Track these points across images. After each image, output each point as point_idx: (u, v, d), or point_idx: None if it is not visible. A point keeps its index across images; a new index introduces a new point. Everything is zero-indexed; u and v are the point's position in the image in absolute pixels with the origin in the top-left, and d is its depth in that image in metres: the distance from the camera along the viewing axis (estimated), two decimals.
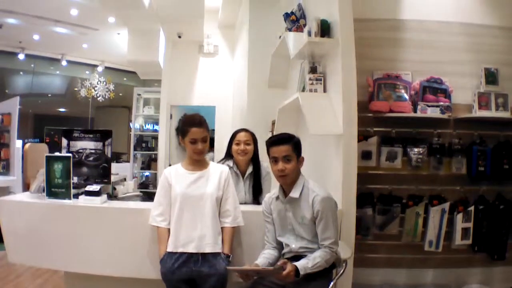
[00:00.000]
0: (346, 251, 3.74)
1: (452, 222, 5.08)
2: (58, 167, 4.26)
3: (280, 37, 5.76)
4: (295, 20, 5.53)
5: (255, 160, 4.71)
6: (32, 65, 18.86)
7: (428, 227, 5.03)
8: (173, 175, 3.88)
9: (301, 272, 3.22)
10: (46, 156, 4.35)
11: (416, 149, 4.98)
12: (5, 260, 6.86)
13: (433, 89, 5.09)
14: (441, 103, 5.00)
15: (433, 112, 4.97)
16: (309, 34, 4.63)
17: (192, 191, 3.77)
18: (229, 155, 4.75)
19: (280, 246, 3.73)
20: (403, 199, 5.06)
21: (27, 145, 13.53)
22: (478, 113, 5.07)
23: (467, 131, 5.16)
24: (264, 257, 3.61)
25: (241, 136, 4.67)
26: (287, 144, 3.51)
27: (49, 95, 22.01)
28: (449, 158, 5.11)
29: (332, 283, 3.47)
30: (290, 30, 5.54)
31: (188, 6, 8.76)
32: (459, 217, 5.06)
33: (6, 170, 10.66)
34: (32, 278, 6.47)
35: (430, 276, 5.20)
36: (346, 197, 4.18)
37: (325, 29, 4.59)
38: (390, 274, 5.11)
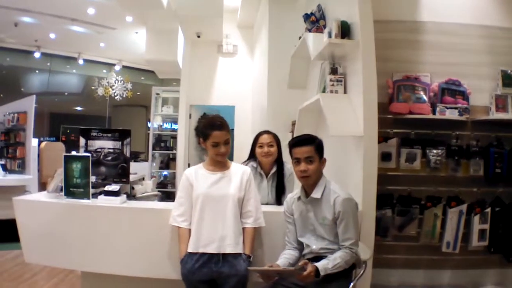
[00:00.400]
0: (365, 252, 3.76)
1: (469, 224, 5.09)
2: (76, 166, 4.25)
3: (300, 38, 5.78)
4: (315, 21, 5.54)
5: (279, 161, 4.73)
6: (48, 64, 18.92)
7: (446, 228, 5.03)
8: (194, 175, 3.88)
9: (322, 273, 3.23)
10: (65, 156, 4.36)
11: (434, 151, 4.99)
12: (20, 259, 6.93)
13: (452, 91, 5.10)
14: (460, 105, 5.01)
15: (451, 114, 4.98)
16: (330, 35, 4.65)
17: (213, 191, 3.77)
18: (252, 156, 4.78)
19: (300, 246, 3.74)
20: (422, 201, 5.06)
21: (43, 144, 13.58)
22: (495, 115, 5.07)
23: (485, 133, 5.15)
24: (284, 258, 3.63)
25: (264, 138, 4.69)
26: (310, 145, 3.55)
27: (66, 93, 22.09)
28: (466, 160, 5.11)
29: (352, 284, 3.50)
30: (310, 30, 5.55)
31: (207, 6, 8.73)
32: (476, 218, 5.07)
33: (22, 168, 10.70)
34: (47, 278, 6.50)
35: (446, 277, 5.19)
36: (366, 198, 4.19)
37: (345, 30, 4.61)
38: (407, 275, 5.11)
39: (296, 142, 3.63)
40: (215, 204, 3.75)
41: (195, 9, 8.88)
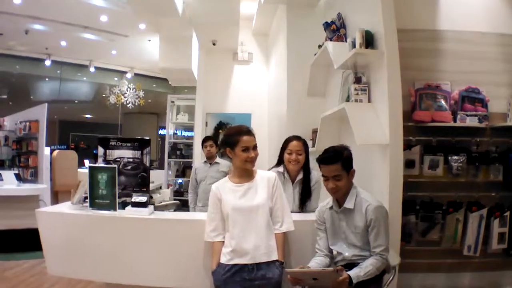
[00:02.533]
0: (394, 258, 3.81)
1: (489, 227, 5.15)
2: (102, 177, 4.24)
3: (319, 46, 5.84)
4: (335, 30, 5.59)
5: (305, 167, 4.67)
6: (59, 72, 18.89)
7: (467, 232, 5.10)
8: (222, 190, 3.87)
9: (354, 281, 3.30)
10: (90, 167, 4.37)
11: (456, 157, 5.05)
12: (37, 269, 6.92)
13: (471, 98, 5.16)
14: (479, 112, 5.08)
15: (472, 121, 5.05)
16: (353, 45, 4.71)
17: (242, 203, 3.76)
18: (280, 161, 4.77)
19: (331, 254, 3.79)
20: (444, 206, 5.12)
21: (55, 152, 13.48)
22: None
23: (503, 139, 5.22)
24: (315, 262, 3.69)
25: (293, 145, 4.62)
26: (336, 164, 3.56)
27: (76, 101, 22.11)
28: (486, 166, 5.17)
29: None
30: (331, 39, 5.59)
31: (223, 14, 8.71)
32: (495, 222, 5.13)
33: (35, 177, 10.72)
34: None
35: (467, 280, 5.25)
36: (392, 205, 4.23)
37: (368, 40, 4.66)
38: (429, 279, 5.16)
39: (322, 160, 3.64)
40: (246, 215, 3.74)
41: (211, 17, 8.85)
